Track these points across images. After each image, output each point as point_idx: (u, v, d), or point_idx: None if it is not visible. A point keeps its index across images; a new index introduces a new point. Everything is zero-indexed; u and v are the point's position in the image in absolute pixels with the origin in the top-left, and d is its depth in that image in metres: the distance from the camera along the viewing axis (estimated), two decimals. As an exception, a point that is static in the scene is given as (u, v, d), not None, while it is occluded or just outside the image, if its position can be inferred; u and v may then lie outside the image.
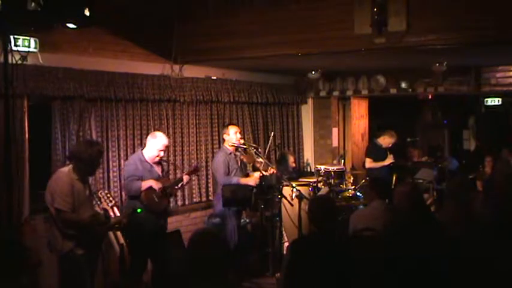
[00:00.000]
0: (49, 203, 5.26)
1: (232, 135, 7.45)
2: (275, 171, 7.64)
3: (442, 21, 6.31)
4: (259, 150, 7.86)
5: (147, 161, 6.47)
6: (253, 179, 7.44)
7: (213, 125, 8.69)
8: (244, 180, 7.38)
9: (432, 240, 4.29)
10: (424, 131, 14.09)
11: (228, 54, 7.63)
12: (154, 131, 7.48)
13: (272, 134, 9.01)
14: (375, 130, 11.55)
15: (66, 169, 5.36)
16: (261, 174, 7.41)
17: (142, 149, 6.62)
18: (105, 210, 5.96)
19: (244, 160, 7.60)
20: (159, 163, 6.63)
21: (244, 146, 7.58)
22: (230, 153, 7.47)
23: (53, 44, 6.32)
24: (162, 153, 6.54)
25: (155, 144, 6.46)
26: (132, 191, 6.34)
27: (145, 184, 6.31)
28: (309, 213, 4.48)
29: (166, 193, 6.50)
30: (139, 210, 5.78)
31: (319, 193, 7.92)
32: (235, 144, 7.45)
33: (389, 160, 9.41)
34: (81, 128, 6.74)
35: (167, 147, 6.72)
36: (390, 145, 9.68)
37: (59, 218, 5.19)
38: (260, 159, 7.58)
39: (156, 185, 6.34)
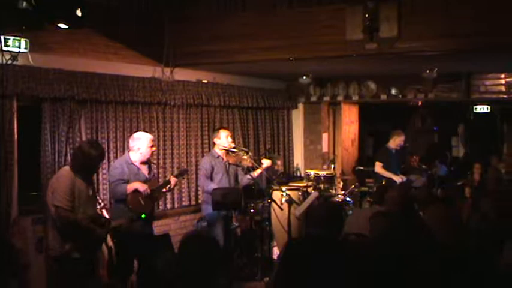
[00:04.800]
0: (49, 201, 5.23)
1: (223, 139, 7.44)
2: (269, 165, 7.74)
3: (433, 28, 6.34)
4: (250, 154, 7.85)
5: (134, 164, 6.44)
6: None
7: (204, 128, 8.67)
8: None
9: (421, 243, 4.29)
10: (414, 137, 14.14)
11: (220, 58, 7.63)
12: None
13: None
14: (364, 136, 11.56)
15: (68, 167, 5.38)
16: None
17: (129, 151, 6.59)
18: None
19: (230, 161, 7.58)
20: (147, 165, 6.60)
21: (235, 150, 7.57)
22: (218, 157, 7.46)
23: (43, 45, 6.29)
24: (154, 148, 6.58)
25: (144, 143, 6.44)
26: (117, 195, 6.31)
27: (130, 187, 6.25)
28: (313, 217, 4.44)
29: (153, 196, 6.46)
30: (143, 216, 5.79)
31: (320, 198, 7.89)
32: (226, 148, 7.44)
33: (399, 178, 9.13)
34: (70, 130, 6.70)
35: (154, 140, 6.78)
36: (401, 145, 9.55)
37: (57, 215, 5.15)
38: (246, 158, 7.59)
39: (141, 187, 6.28)
